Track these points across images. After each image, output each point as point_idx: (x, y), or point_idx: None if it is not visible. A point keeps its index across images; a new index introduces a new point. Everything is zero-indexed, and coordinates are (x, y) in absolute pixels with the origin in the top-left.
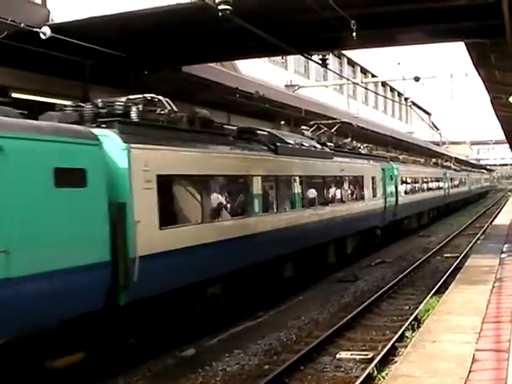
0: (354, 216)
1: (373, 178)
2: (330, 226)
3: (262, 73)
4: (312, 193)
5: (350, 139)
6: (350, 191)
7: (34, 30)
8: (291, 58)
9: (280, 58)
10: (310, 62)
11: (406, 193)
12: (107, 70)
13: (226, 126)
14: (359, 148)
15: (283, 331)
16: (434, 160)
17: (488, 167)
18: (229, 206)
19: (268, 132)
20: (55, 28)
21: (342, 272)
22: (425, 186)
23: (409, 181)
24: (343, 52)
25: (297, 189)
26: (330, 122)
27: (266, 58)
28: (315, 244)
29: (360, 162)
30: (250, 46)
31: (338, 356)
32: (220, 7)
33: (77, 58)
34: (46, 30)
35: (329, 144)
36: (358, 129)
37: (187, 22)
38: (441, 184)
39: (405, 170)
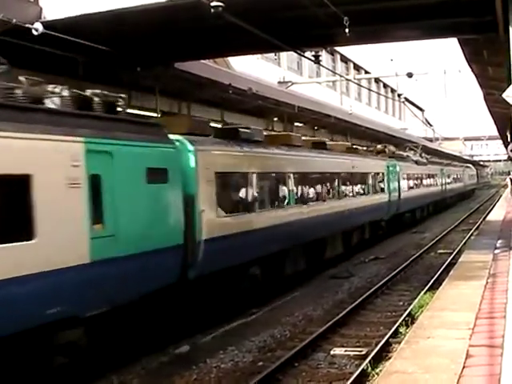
0: None
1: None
2: None
3: (255, 69)
4: None
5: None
6: None
7: (26, 26)
8: (284, 55)
9: (273, 54)
10: (302, 58)
11: (254, 208)
12: (99, 66)
13: None
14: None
15: (277, 328)
16: (379, 147)
17: (481, 162)
18: None
19: None
20: (47, 25)
21: (335, 268)
22: (327, 191)
23: (262, 184)
24: (336, 48)
25: None
26: None
27: (259, 55)
28: None
29: None
30: (242, 43)
31: (332, 352)
32: (212, 4)
33: (69, 54)
34: (38, 26)
35: None
36: None
37: (179, 19)
38: (382, 185)
39: (235, 161)
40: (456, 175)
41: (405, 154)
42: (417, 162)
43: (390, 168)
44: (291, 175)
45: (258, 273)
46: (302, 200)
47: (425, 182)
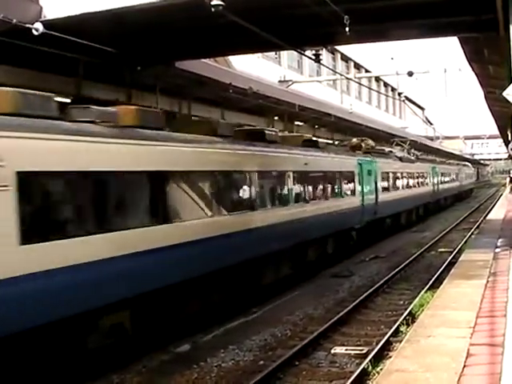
0: None
1: None
2: None
3: (256, 68)
4: None
5: None
6: None
7: (27, 26)
8: (284, 54)
9: (273, 53)
10: (303, 57)
11: (109, 226)
12: (100, 66)
13: None
14: None
15: (278, 327)
16: (354, 141)
17: (482, 161)
18: None
19: None
20: (48, 24)
21: (336, 267)
22: (260, 197)
23: (134, 188)
24: (336, 47)
25: None
26: None
27: (260, 54)
28: None
29: None
30: (243, 42)
31: (332, 351)
32: (213, 3)
33: (70, 54)
34: (39, 26)
35: None
36: None
37: (180, 18)
38: (351, 186)
39: None
40: (451, 174)
41: (387, 149)
42: (401, 159)
43: (364, 166)
44: (197, 176)
45: (126, 322)
46: (218, 210)
47: (412, 181)
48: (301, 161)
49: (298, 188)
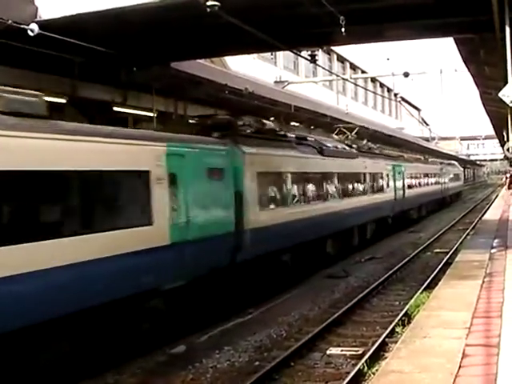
0: None
1: None
2: None
3: (252, 69)
4: None
5: None
6: None
7: (22, 27)
8: (280, 54)
9: (269, 54)
10: (299, 58)
11: None
12: (96, 66)
13: None
14: None
15: (273, 328)
16: (218, 119)
17: (477, 162)
18: None
19: None
20: (43, 25)
21: (332, 268)
22: None
23: None
24: (332, 48)
25: None
26: None
27: (256, 55)
28: None
29: None
30: (238, 42)
31: (328, 352)
32: (208, 3)
33: (65, 54)
34: (34, 26)
35: None
36: None
37: (176, 18)
38: (147, 210)
39: None
40: (428, 175)
41: (292, 135)
42: (322, 152)
43: (194, 161)
44: None
45: None
46: None
47: (350, 187)
48: None
49: None
